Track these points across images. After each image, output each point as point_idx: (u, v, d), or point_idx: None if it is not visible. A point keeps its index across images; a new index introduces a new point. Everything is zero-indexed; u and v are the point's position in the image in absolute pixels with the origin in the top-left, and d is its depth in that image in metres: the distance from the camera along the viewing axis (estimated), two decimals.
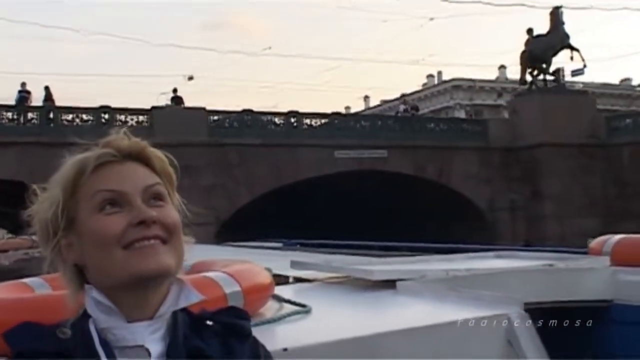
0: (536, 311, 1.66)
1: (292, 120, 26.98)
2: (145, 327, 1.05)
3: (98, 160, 1.08)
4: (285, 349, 1.34)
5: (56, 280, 1.56)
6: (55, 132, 22.03)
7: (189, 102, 27.08)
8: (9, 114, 21.87)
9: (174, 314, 1.09)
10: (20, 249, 4.05)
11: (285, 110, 27.76)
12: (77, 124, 22.77)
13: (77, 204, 1.08)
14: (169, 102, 26.81)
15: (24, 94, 22.91)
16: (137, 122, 24.11)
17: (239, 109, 27.17)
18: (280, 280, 2.01)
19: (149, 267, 1.03)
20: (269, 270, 1.78)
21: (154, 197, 1.09)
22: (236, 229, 22.44)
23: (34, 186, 1.13)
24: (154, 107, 25.05)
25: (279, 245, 4.38)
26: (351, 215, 26.65)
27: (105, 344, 1.03)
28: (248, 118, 26.41)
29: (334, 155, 26.15)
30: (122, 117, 23.81)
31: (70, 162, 1.10)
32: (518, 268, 2.36)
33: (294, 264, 2.48)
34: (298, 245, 4.26)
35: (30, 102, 23.16)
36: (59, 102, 23.82)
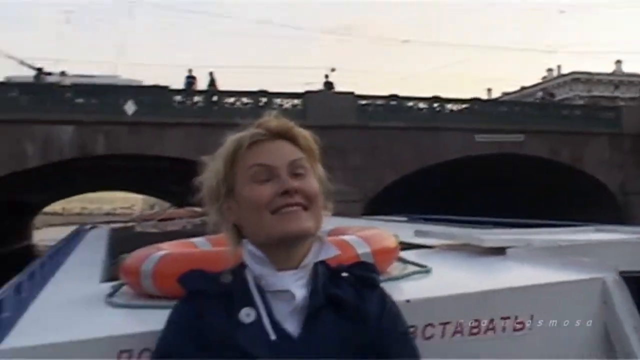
0: (631, 279, 1.74)
1: (435, 105, 27.65)
2: (291, 276, 1.26)
3: (252, 139, 1.30)
4: (408, 301, 1.49)
5: (215, 240, 1.93)
6: (219, 114, 24.00)
7: None
8: (178, 97, 24.13)
9: (315, 265, 1.30)
10: (184, 217, 4.74)
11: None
12: (238, 107, 24.66)
13: (235, 175, 1.30)
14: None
15: (190, 80, 25.15)
16: (292, 105, 25.61)
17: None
18: (405, 246, 2.17)
19: (291, 229, 1.24)
20: (395, 236, 1.97)
21: (298, 170, 1.29)
22: (381, 206, 23.23)
23: (203, 158, 1.36)
24: (307, 92, 26.32)
25: (405, 218, 4.83)
26: (488, 196, 27.06)
27: (258, 288, 1.25)
28: (394, 103, 27.26)
29: (474, 139, 26.66)
30: (278, 101, 25.35)
31: (229, 139, 1.32)
32: (616, 239, 2.52)
33: (417, 233, 2.87)
34: (422, 219, 4.69)
35: (196, 87, 25.30)
36: (221, 88, 25.81)
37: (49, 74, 24.61)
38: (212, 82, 25.39)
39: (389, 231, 2.03)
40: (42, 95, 22.81)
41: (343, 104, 26.07)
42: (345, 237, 1.76)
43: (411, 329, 1.42)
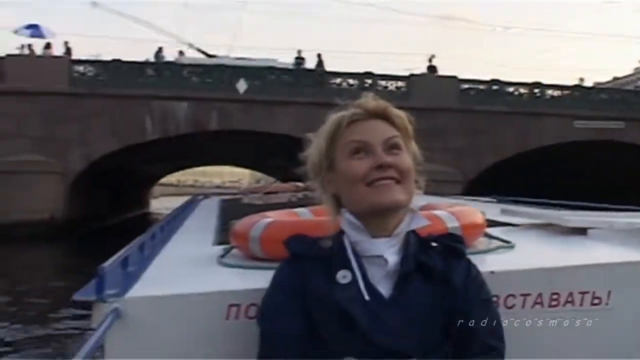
0: None
1: (536, 90, 27.37)
2: (385, 243, 1.36)
3: (351, 118, 1.40)
4: (492, 272, 1.56)
5: (316, 211, 2.06)
6: (326, 94, 24.60)
7: None
8: (288, 77, 24.99)
9: (407, 234, 1.39)
10: (287, 192, 4.99)
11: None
12: (344, 88, 25.22)
13: (335, 150, 1.41)
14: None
15: (299, 61, 25.99)
16: (396, 87, 25.90)
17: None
18: (491, 223, 2.26)
19: (384, 201, 1.33)
20: (482, 213, 2.07)
21: (392, 147, 1.38)
22: (480, 187, 23.13)
23: (308, 135, 1.47)
24: (411, 75, 26.53)
25: (494, 200, 5.05)
26: (584, 181, 26.60)
27: (354, 253, 1.36)
28: (495, 87, 27.17)
29: (573, 125, 26.21)
30: (383, 83, 25.72)
31: (331, 118, 1.43)
32: None
33: (504, 211, 3.04)
34: (510, 201, 4.88)
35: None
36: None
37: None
38: (319, 64, 26.08)
39: (477, 209, 2.15)
40: (160, 73, 24.23)
41: (445, 88, 26.18)
42: (437, 212, 1.88)
43: (494, 299, 1.48)
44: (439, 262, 1.37)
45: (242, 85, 23.82)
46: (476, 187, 22.93)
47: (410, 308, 1.30)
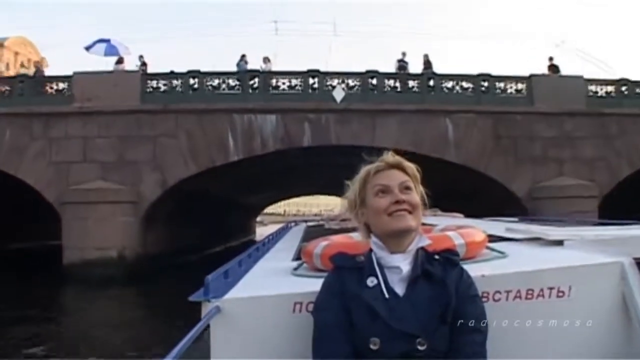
0: None
1: None
2: (400, 257, 1.94)
3: (376, 169, 2.02)
4: (483, 275, 2.10)
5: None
6: (435, 99, 21.03)
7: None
8: (391, 82, 21.32)
9: (417, 250, 1.96)
10: (336, 219, 6.54)
11: None
12: (456, 93, 21.46)
13: (365, 191, 2.03)
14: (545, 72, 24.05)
15: (402, 64, 22.23)
16: (516, 90, 22.18)
17: None
18: (494, 238, 3.00)
19: (400, 226, 1.93)
20: (484, 232, 2.66)
21: (405, 188, 1.98)
22: (619, 203, 19.32)
23: (346, 181, 2.13)
24: (531, 75, 22.60)
25: (516, 219, 6.12)
26: None
27: (379, 264, 1.93)
28: (625, 88, 23.43)
29: None
30: (501, 85, 22.05)
31: (363, 169, 2.04)
32: (633, 234, 2.92)
33: (507, 229, 3.60)
34: (530, 220, 6.15)
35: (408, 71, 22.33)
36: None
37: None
38: (427, 65, 22.26)
39: (487, 228, 3.13)
40: (244, 82, 20.99)
41: (571, 89, 22.42)
42: (449, 233, 2.47)
43: (484, 294, 2.04)
44: (439, 269, 1.91)
45: (339, 94, 20.29)
46: (614, 205, 19.17)
47: (417, 303, 1.84)
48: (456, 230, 2.56)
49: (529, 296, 2.15)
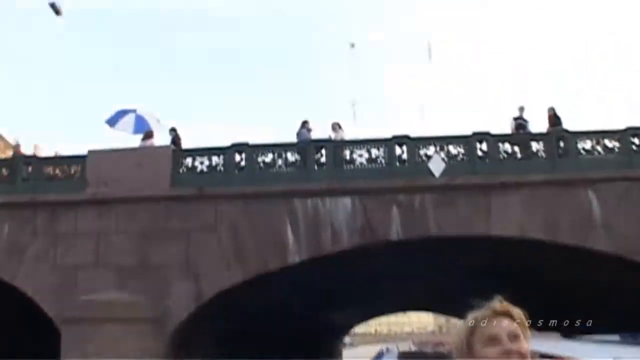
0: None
1: None
2: None
3: (484, 317, 1.91)
4: None
5: None
6: (571, 165, 15.16)
7: None
8: (507, 147, 15.58)
9: None
10: (429, 342, 3.42)
11: None
12: (596, 156, 15.49)
13: (473, 338, 1.91)
14: None
15: (521, 121, 16.54)
16: None
17: None
18: None
19: None
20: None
21: (514, 337, 1.87)
22: None
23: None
24: None
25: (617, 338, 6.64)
26: None
27: None
28: None
29: None
30: None
31: (470, 316, 1.94)
32: None
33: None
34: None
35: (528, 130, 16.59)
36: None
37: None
38: (554, 121, 16.45)
39: (591, 353, 4.20)
40: (307, 157, 15.68)
41: None
42: None
43: None
44: None
45: (437, 164, 14.71)
46: None
47: None
48: None
49: None
